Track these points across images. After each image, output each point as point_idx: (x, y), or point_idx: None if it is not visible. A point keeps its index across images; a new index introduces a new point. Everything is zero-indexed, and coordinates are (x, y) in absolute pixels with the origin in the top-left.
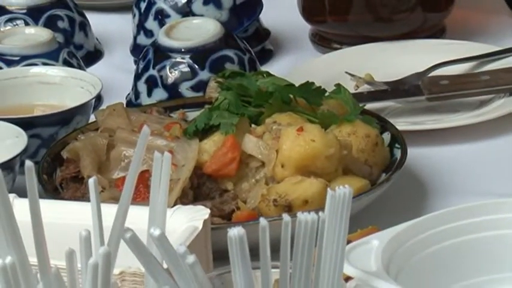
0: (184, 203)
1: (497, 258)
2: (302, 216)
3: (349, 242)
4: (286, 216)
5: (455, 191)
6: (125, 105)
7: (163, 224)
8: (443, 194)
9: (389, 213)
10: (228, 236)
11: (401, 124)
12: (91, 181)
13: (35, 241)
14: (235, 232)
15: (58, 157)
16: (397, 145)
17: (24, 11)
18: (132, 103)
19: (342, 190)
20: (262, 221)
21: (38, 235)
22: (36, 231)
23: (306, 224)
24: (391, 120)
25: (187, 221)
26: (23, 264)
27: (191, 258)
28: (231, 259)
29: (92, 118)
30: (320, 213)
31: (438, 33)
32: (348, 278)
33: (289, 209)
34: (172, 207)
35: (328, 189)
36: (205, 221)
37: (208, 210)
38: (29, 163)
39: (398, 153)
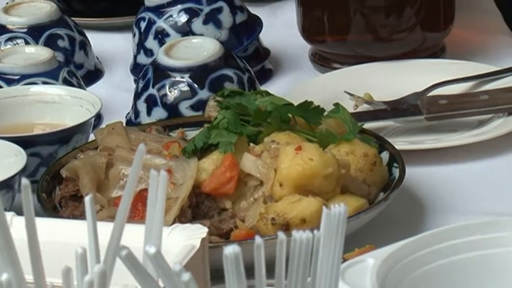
0: (182, 222)
1: (492, 276)
2: (297, 234)
3: (346, 260)
4: (281, 235)
5: (452, 210)
6: (124, 124)
7: (160, 242)
8: (441, 213)
9: (387, 232)
10: (223, 255)
11: (400, 143)
12: (87, 199)
13: (31, 258)
14: (230, 250)
15: (57, 176)
16: (395, 164)
17: (25, 30)
18: (132, 122)
19: (338, 209)
20: (258, 240)
21: (34, 253)
22: (32, 248)
23: (301, 242)
24: (390, 140)
25: (185, 240)
26: (19, 281)
27: (186, 276)
28: (226, 277)
29: (92, 137)
30: (315, 231)
31: (437, 53)
32: None
33: (287, 227)
34: (170, 225)
35: (324, 207)
36: (203, 240)
37: (206, 229)
38: (25, 181)
39: (396, 172)
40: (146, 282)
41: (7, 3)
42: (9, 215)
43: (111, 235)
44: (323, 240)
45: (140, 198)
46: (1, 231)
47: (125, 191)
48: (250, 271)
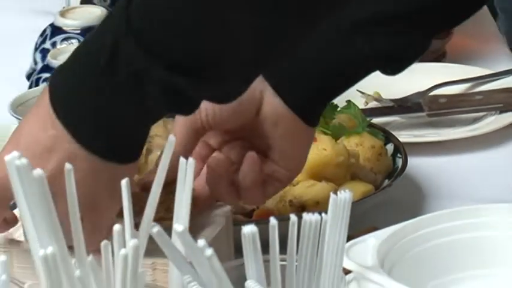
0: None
1: (478, 255)
2: (307, 216)
3: (352, 238)
4: (293, 216)
5: (448, 196)
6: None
7: (186, 221)
8: (438, 199)
9: (390, 214)
10: (242, 233)
11: (404, 136)
12: (123, 182)
13: (74, 233)
14: (248, 229)
15: None
16: (399, 155)
17: (78, 31)
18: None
19: (344, 194)
20: (272, 220)
21: (76, 228)
22: (74, 224)
23: (311, 223)
24: (395, 133)
25: (211, 217)
26: (62, 254)
27: (209, 251)
28: (245, 253)
29: None
30: (323, 214)
31: (439, 57)
32: (347, 271)
33: (303, 209)
34: None
35: (331, 193)
36: (227, 218)
37: (230, 209)
38: (68, 166)
39: (399, 162)
40: (175, 257)
41: (63, 8)
42: None
43: (145, 214)
44: (330, 222)
45: None
46: (47, 210)
47: (156, 175)
48: (266, 247)
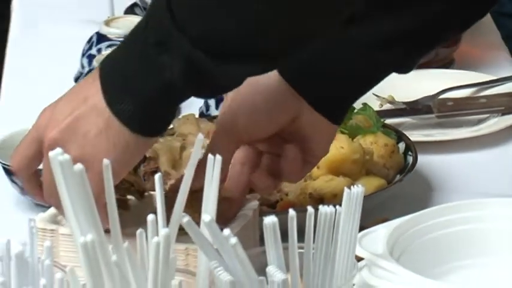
0: None
1: (478, 244)
2: (323, 208)
3: (366, 228)
4: (310, 208)
5: (455, 190)
6: (197, 116)
7: (214, 212)
8: (446, 193)
9: (401, 206)
10: (263, 224)
11: (414, 136)
12: (157, 176)
13: (111, 222)
14: (269, 220)
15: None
16: (410, 153)
17: (121, 39)
18: (203, 114)
19: (356, 189)
20: (291, 212)
21: (113, 217)
22: (111, 214)
23: (326, 215)
24: (406, 133)
25: (241, 210)
26: (100, 241)
27: (233, 240)
28: (266, 241)
29: (170, 125)
30: (337, 206)
31: (447, 64)
32: (359, 259)
33: (322, 201)
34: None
35: (345, 187)
36: (254, 211)
37: (257, 203)
38: (105, 161)
39: (410, 159)
40: (202, 244)
41: (108, 17)
42: None
43: (176, 205)
44: (344, 214)
45: None
46: (86, 200)
47: (187, 169)
48: (287, 235)
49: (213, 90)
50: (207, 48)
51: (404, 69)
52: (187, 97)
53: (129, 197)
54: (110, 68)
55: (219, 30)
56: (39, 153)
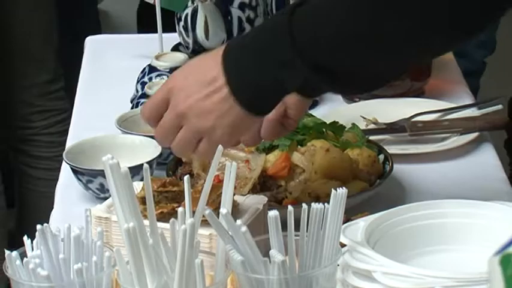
0: (253, 193)
1: (439, 236)
2: (314, 205)
3: (350, 220)
4: (304, 205)
5: (423, 193)
6: None
7: (230, 206)
8: (416, 195)
9: (379, 204)
10: (268, 216)
11: (392, 149)
12: (185, 178)
13: (149, 215)
14: (272, 213)
15: (179, 161)
16: (387, 162)
17: (168, 70)
18: None
19: (341, 190)
20: (289, 207)
21: (150, 208)
22: (149, 205)
23: (317, 210)
24: (385, 147)
25: (253, 204)
26: (140, 228)
27: (244, 228)
28: (269, 230)
29: None
30: (326, 204)
31: (419, 94)
32: (342, 245)
33: (318, 199)
34: (245, 195)
35: (332, 189)
36: (264, 205)
37: (266, 198)
38: (146, 166)
39: (388, 167)
40: (220, 231)
41: (158, 53)
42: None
43: (200, 200)
44: (330, 209)
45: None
46: (128, 193)
47: (209, 172)
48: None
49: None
50: (323, 73)
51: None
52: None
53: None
54: (234, 62)
55: (342, 60)
56: (165, 109)
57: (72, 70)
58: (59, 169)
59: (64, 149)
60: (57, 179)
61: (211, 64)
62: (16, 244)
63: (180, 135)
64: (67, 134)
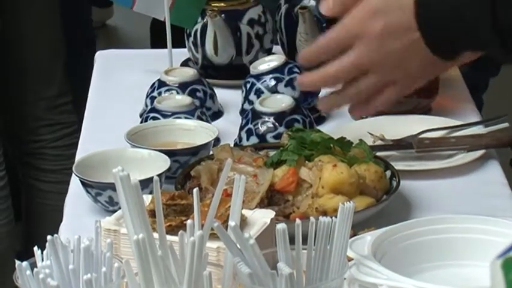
0: (261, 207)
1: (445, 251)
2: (322, 219)
3: (357, 235)
4: (312, 219)
5: (428, 209)
6: (232, 145)
7: (238, 220)
8: (422, 210)
9: (386, 219)
10: (276, 229)
11: (399, 166)
12: (194, 191)
13: (158, 227)
14: (280, 226)
15: (188, 174)
16: (394, 178)
17: (177, 85)
18: (237, 144)
19: (348, 205)
20: (297, 221)
21: (159, 220)
22: (158, 218)
23: (324, 224)
24: (392, 163)
25: (260, 218)
26: (149, 239)
27: (252, 241)
28: (277, 243)
29: (211, 152)
30: (333, 217)
31: (427, 111)
32: (349, 259)
33: (325, 213)
34: (253, 209)
35: (340, 203)
36: (272, 219)
37: (274, 212)
38: (156, 178)
39: (394, 183)
40: (228, 244)
41: (167, 68)
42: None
43: (208, 213)
44: (338, 223)
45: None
46: (138, 205)
47: (218, 186)
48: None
49: None
50: None
51: None
52: None
53: None
54: (431, 19)
55: None
56: (341, 45)
57: (75, 84)
58: (66, 182)
59: (72, 162)
60: (65, 192)
61: (403, 17)
62: (24, 257)
63: (366, 81)
64: (74, 147)
